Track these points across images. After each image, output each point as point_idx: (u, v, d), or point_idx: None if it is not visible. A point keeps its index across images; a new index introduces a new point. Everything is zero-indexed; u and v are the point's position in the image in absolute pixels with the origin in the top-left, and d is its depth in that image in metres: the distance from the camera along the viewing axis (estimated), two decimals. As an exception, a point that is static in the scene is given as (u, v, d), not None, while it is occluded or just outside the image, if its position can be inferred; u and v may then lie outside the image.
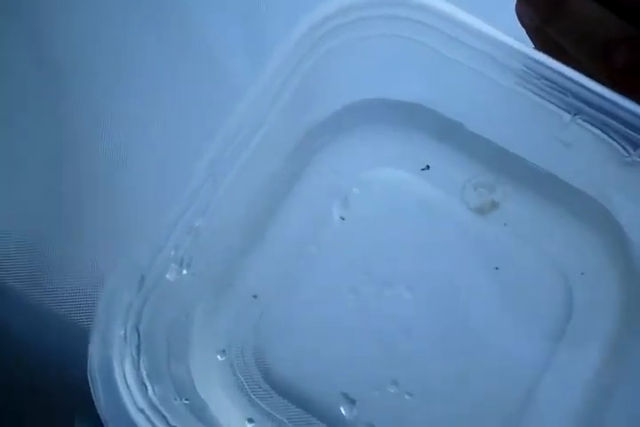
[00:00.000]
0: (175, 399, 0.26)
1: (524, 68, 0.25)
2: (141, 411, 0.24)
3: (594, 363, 0.29)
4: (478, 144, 0.30)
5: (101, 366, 0.24)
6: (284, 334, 0.30)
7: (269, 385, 0.29)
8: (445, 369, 0.29)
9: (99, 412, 0.24)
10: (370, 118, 0.31)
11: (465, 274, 0.30)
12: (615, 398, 0.28)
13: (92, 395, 0.24)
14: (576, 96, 0.25)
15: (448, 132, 0.30)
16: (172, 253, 0.26)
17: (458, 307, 0.30)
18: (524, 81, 0.26)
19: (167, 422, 0.25)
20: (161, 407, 0.25)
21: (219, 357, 0.30)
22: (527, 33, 0.26)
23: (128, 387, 0.24)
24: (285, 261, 0.30)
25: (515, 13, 0.26)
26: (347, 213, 0.31)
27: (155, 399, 0.25)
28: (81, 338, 0.25)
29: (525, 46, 0.25)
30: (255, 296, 0.30)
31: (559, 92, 0.25)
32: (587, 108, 0.25)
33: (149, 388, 0.25)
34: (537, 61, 0.25)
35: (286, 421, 0.29)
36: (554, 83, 0.25)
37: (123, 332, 0.25)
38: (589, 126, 0.26)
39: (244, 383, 0.29)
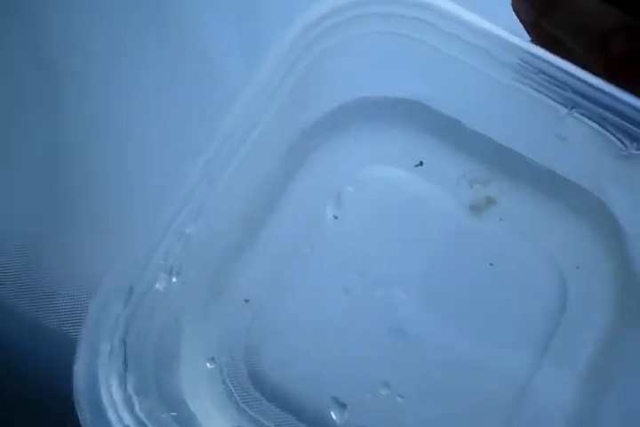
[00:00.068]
0: (162, 413, 0.26)
1: (521, 63, 0.25)
2: None
3: (588, 356, 0.29)
4: (475, 141, 0.30)
5: (87, 386, 0.24)
6: (275, 335, 0.30)
7: (259, 392, 0.29)
8: (438, 370, 0.29)
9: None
10: (366, 116, 0.31)
11: (459, 272, 0.30)
12: (609, 391, 0.28)
13: (78, 414, 0.23)
14: (573, 89, 0.25)
15: (445, 129, 0.30)
16: (162, 261, 0.25)
17: (452, 306, 0.30)
18: (520, 76, 0.26)
19: (153, 437, 0.24)
20: (147, 421, 0.24)
21: (208, 364, 0.29)
22: (524, 27, 0.26)
23: (114, 404, 0.24)
24: (278, 262, 0.30)
25: (511, 8, 0.26)
26: (340, 212, 0.31)
27: (141, 415, 0.24)
28: (72, 348, 0.24)
29: (522, 40, 0.25)
30: (247, 300, 0.30)
31: (556, 85, 0.25)
32: (583, 102, 0.25)
33: (136, 404, 0.25)
34: (534, 55, 0.25)
35: (274, 428, 0.29)
36: (551, 77, 0.25)
37: (109, 347, 0.24)
38: (586, 120, 0.26)
39: (233, 391, 0.29)
